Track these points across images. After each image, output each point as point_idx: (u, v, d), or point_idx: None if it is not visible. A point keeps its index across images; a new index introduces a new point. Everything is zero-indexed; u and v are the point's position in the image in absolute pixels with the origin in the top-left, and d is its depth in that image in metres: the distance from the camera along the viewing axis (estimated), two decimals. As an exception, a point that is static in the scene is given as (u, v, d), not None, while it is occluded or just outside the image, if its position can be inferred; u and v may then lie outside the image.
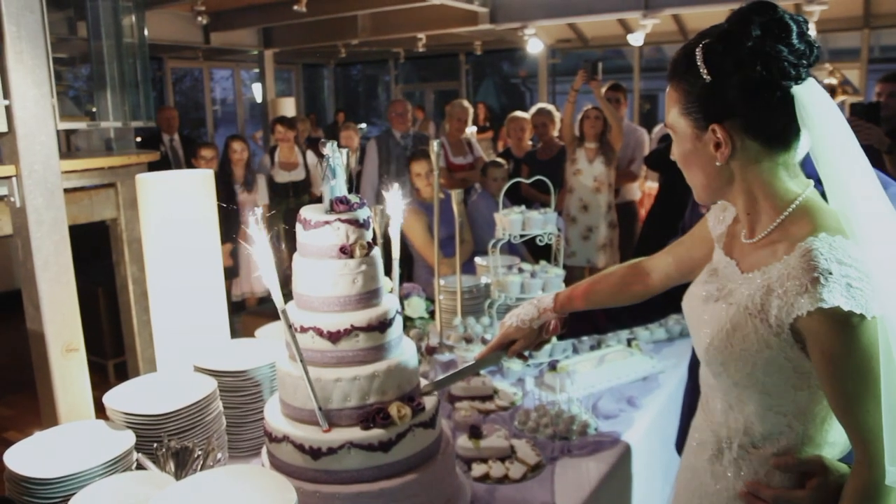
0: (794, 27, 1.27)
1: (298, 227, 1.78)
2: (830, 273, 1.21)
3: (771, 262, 1.33)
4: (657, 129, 6.93)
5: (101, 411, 2.00)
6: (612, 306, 1.99)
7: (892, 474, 1.19)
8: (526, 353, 2.08)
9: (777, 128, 1.31)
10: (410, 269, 4.70)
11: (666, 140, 5.00)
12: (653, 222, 5.39)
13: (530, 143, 6.45)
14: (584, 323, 2.15)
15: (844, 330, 1.21)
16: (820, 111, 1.27)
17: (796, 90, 1.27)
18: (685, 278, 1.69)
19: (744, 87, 1.28)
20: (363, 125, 8.73)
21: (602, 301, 1.97)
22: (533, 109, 6.27)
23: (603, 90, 5.69)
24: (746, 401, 1.42)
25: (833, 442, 1.39)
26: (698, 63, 1.32)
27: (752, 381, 1.38)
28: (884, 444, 1.19)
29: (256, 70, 11.62)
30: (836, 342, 1.23)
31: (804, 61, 1.27)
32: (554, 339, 2.12)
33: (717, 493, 1.49)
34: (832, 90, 4.74)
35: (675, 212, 4.91)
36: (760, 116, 1.30)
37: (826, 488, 1.34)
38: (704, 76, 1.31)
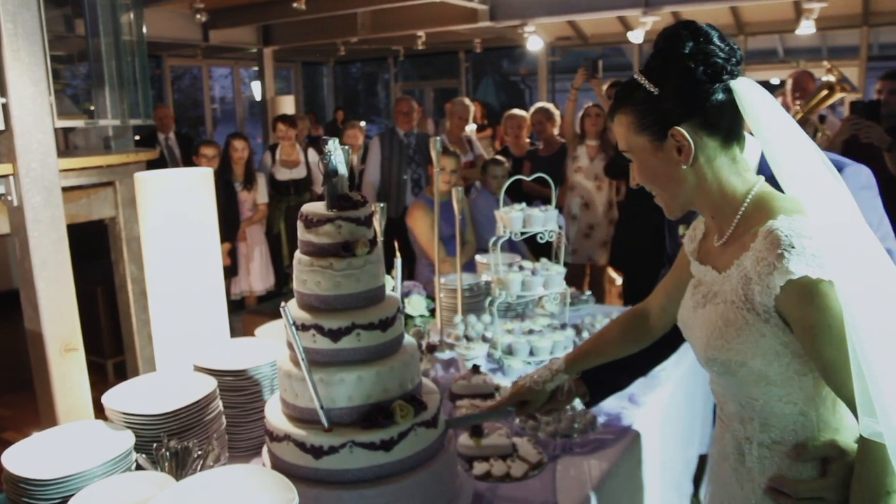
0: (715, 32, 1.42)
1: (300, 225, 1.76)
2: (793, 246, 1.29)
3: (742, 254, 1.40)
4: None
5: (100, 411, 1.99)
6: (620, 356, 2.02)
7: (865, 424, 1.24)
8: (536, 416, 2.16)
9: (729, 121, 1.42)
10: (412, 266, 4.70)
11: (620, 150, 4.96)
12: (625, 223, 5.34)
13: (528, 140, 6.43)
14: (605, 386, 2.18)
15: (817, 298, 1.28)
16: (758, 100, 1.39)
17: (734, 84, 1.41)
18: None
19: (691, 87, 1.40)
20: (362, 123, 8.70)
21: (609, 353, 2.02)
22: (532, 108, 6.26)
23: (604, 88, 5.68)
24: (756, 396, 1.45)
25: (849, 425, 1.42)
26: (642, 83, 1.45)
27: (755, 375, 1.42)
28: (856, 396, 1.24)
29: (255, 68, 11.61)
30: (812, 312, 1.29)
31: (733, 59, 1.41)
32: (577, 403, 2.19)
33: (745, 498, 1.52)
34: (830, 87, 4.73)
35: (645, 210, 4.89)
36: (712, 112, 1.41)
37: (846, 470, 1.37)
38: (652, 90, 1.43)
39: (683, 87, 1.40)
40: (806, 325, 1.31)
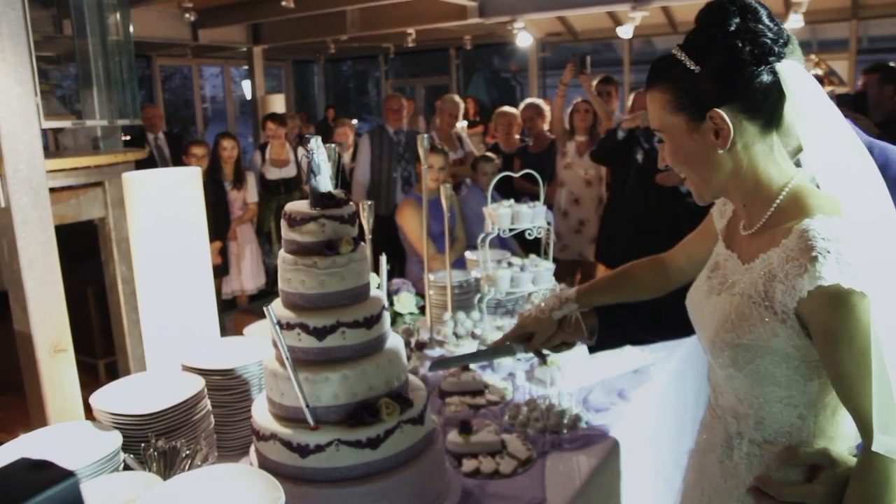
0: (764, 10, 1.33)
1: (283, 224, 1.77)
2: (828, 251, 1.21)
3: (770, 249, 1.33)
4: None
5: (91, 412, 1.99)
6: (634, 299, 1.96)
7: (879, 441, 1.19)
8: (544, 353, 2.06)
9: (771, 106, 1.33)
10: (402, 264, 4.70)
11: (609, 133, 4.99)
12: (610, 217, 5.35)
13: (517, 137, 6.44)
14: (615, 334, 2.07)
15: (845, 308, 1.21)
16: (804, 86, 1.31)
17: (780, 67, 1.31)
18: (698, 272, 1.66)
19: (736, 68, 1.31)
20: (353, 121, 8.70)
21: (625, 292, 1.96)
22: (522, 104, 6.26)
23: (594, 83, 5.68)
24: (757, 394, 1.41)
25: (845, 434, 1.38)
26: (682, 59, 1.35)
27: (761, 373, 1.37)
28: (874, 413, 1.19)
29: (246, 67, 11.58)
30: (838, 321, 1.22)
31: (781, 40, 1.32)
32: (579, 344, 2.08)
33: (727, 492, 1.48)
34: (819, 81, 4.77)
35: (629, 205, 4.91)
36: (756, 95, 1.32)
37: (834, 480, 1.33)
38: (692, 67, 1.34)
39: (727, 66, 1.31)
40: (827, 332, 1.25)
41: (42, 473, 0.83)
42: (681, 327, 1.96)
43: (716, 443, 1.53)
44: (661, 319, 2.00)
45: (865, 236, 1.23)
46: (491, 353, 2.06)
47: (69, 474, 0.83)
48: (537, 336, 1.99)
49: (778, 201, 1.37)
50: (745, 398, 1.43)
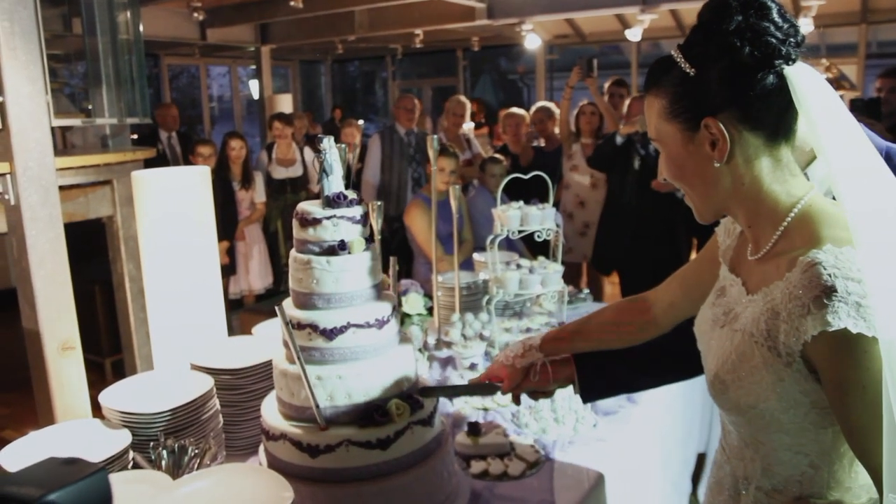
0: (774, 6, 1.18)
1: (295, 224, 1.77)
2: (835, 291, 1.07)
3: (773, 281, 1.19)
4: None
5: (98, 410, 1.99)
6: (608, 346, 1.75)
7: (891, 502, 1.06)
8: (519, 398, 1.84)
9: (775, 115, 1.19)
10: (410, 264, 4.69)
11: (607, 139, 4.97)
12: (606, 223, 5.33)
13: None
14: (606, 383, 1.84)
15: (854, 354, 1.08)
16: (816, 94, 1.16)
17: (789, 71, 1.17)
18: (695, 307, 1.49)
19: (734, 71, 1.17)
20: (360, 121, 8.69)
21: (596, 339, 1.75)
22: (533, 108, 6.26)
23: (606, 85, 5.67)
24: (763, 440, 1.28)
25: (864, 484, 1.23)
26: (678, 60, 1.23)
27: (766, 420, 1.23)
28: (885, 470, 1.06)
29: (253, 66, 11.59)
30: (848, 369, 1.09)
31: (791, 40, 1.17)
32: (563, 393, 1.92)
33: None
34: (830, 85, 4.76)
35: (625, 211, 4.90)
36: (757, 103, 1.17)
37: None
38: (688, 70, 1.21)
39: (725, 70, 1.17)
40: (836, 381, 1.11)
41: (73, 467, 0.90)
42: (686, 367, 1.72)
43: (723, 484, 1.41)
44: (662, 359, 1.79)
45: (877, 270, 1.07)
46: (474, 388, 1.96)
47: (99, 468, 0.88)
48: (506, 382, 1.79)
49: (785, 223, 1.22)
50: (751, 443, 1.31)
